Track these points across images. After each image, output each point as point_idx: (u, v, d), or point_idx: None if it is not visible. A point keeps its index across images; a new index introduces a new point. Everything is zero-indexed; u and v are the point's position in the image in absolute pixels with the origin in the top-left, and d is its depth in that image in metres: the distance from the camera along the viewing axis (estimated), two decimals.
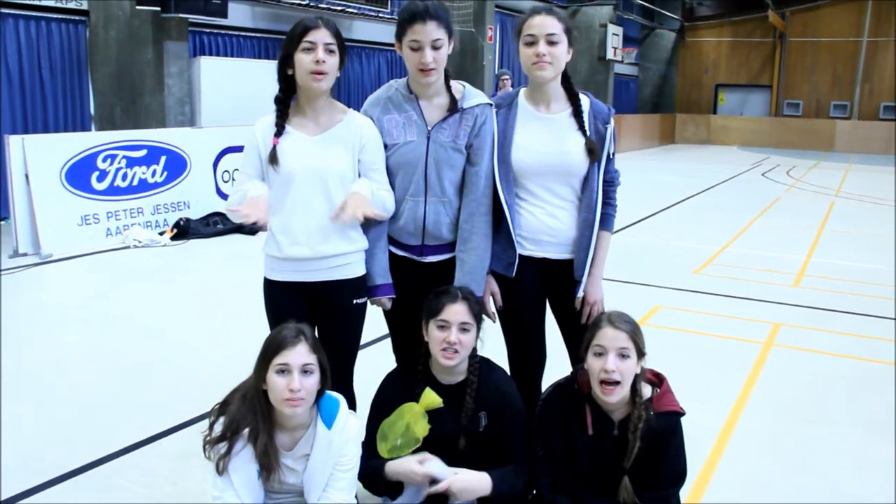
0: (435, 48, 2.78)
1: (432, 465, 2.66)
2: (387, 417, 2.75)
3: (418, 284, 2.98)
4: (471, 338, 2.73)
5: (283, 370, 2.39)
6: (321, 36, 2.71)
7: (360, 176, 2.86)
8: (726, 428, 4.06)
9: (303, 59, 2.71)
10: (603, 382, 2.54)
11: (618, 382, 2.53)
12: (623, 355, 2.53)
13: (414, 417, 2.70)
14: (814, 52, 27.79)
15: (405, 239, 3.01)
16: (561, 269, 3.05)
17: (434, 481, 2.64)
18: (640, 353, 2.58)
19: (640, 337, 2.60)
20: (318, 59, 2.69)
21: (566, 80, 3.01)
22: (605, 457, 2.63)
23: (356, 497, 2.63)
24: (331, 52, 2.73)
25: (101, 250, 8.03)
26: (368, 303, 3.01)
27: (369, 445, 2.76)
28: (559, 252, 3.03)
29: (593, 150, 2.96)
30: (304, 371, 2.41)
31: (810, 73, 27.91)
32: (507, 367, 3.09)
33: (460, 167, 2.94)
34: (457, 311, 2.70)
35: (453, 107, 2.90)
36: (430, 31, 2.76)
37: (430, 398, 2.71)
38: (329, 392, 2.56)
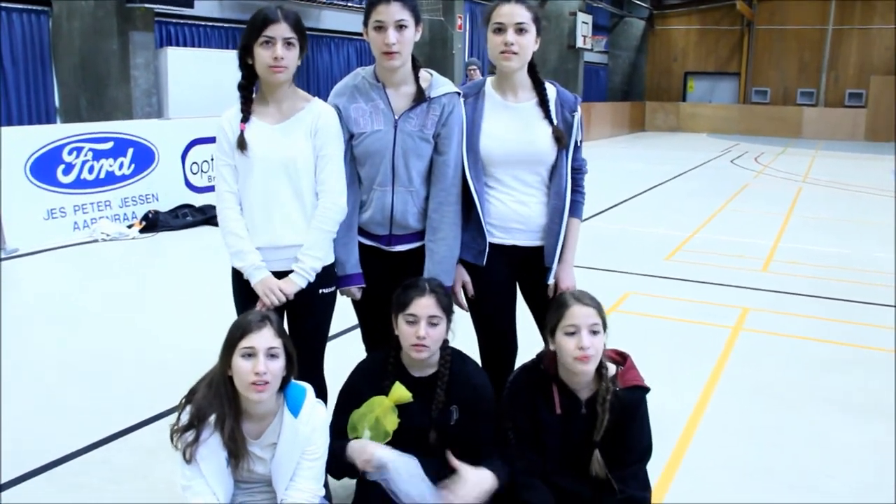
0: (399, 28, 2.76)
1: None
2: (355, 407, 2.73)
3: (386, 274, 2.98)
4: (440, 331, 2.71)
5: (249, 354, 2.38)
6: (280, 31, 2.69)
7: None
8: (696, 410, 4.10)
9: (261, 54, 2.70)
10: (577, 359, 2.57)
11: (593, 355, 2.58)
12: (594, 332, 2.57)
13: (383, 411, 2.68)
14: (781, 39, 28.07)
15: (373, 229, 3.01)
16: (531, 257, 3.06)
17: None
18: (605, 328, 2.63)
19: (604, 313, 2.65)
20: (276, 55, 2.68)
21: (532, 70, 3.02)
22: (575, 435, 2.66)
23: (326, 486, 2.62)
24: (290, 45, 2.71)
25: (68, 244, 7.92)
26: (338, 293, 3.00)
27: (334, 430, 2.70)
28: (529, 239, 3.05)
29: (560, 138, 2.97)
30: (270, 355, 2.40)
31: (777, 61, 28.20)
32: (477, 357, 3.09)
33: (428, 156, 2.93)
34: (425, 305, 2.68)
35: (419, 96, 2.88)
36: (394, 11, 2.76)
37: (400, 392, 2.69)
38: (295, 381, 2.55)
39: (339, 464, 2.69)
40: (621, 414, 2.61)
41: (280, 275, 2.81)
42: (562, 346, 2.60)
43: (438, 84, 2.95)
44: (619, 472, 2.63)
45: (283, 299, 2.77)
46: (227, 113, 2.85)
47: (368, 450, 2.60)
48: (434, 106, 2.90)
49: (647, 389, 2.69)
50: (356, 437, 2.69)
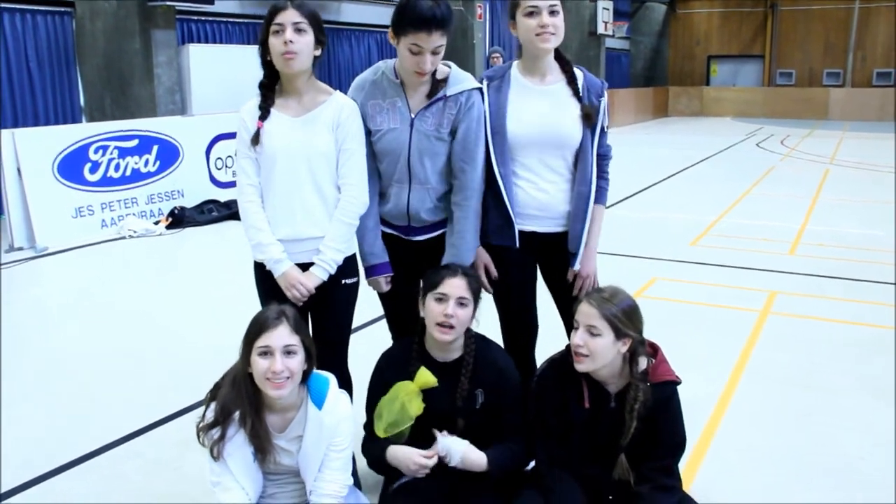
0: (434, 54, 2.74)
1: (440, 443, 2.67)
2: (383, 395, 2.75)
3: (409, 261, 3.00)
4: (467, 313, 2.72)
5: (266, 352, 2.39)
6: (289, 16, 2.68)
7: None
8: (724, 396, 4.08)
9: (273, 43, 2.71)
10: (575, 353, 2.59)
11: (587, 355, 2.56)
12: (592, 333, 2.55)
13: (408, 396, 2.69)
14: (805, 20, 27.66)
15: (392, 220, 3.02)
16: (552, 242, 3.06)
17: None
18: (620, 333, 2.55)
19: (623, 317, 2.56)
20: (286, 39, 2.67)
21: (557, 52, 3.02)
22: (602, 429, 2.64)
23: (354, 475, 2.64)
24: (300, 31, 2.70)
25: (96, 242, 8.02)
26: (367, 283, 3.01)
27: (369, 425, 2.78)
28: (548, 226, 3.05)
29: (589, 115, 2.97)
30: (287, 352, 2.41)
31: (802, 42, 27.80)
32: (500, 341, 3.10)
33: (444, 154, 2.91)
34: (456, 285, 2.70)
35: (432, 93, 2.86)
36: (435, 39, 2.69)
37: (425, 377, 2.70)
38: (318, 372, 2.56)
39: (379, 465, 2.77)
40: (652, 411, 2.57)
41: (302, 267, 2.82)
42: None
43: (457, 80, 2.90)
44: (649, 464, 2.60)
45: (306, 293, 2.78)
46: (246, 106, 2.86)
47: (414, 462, 2.66)
48: (451, 104, 2.87)
49: (678, 382, 2.66)
50: (380, 423, 2.71)
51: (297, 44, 2.69)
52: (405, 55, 2.75)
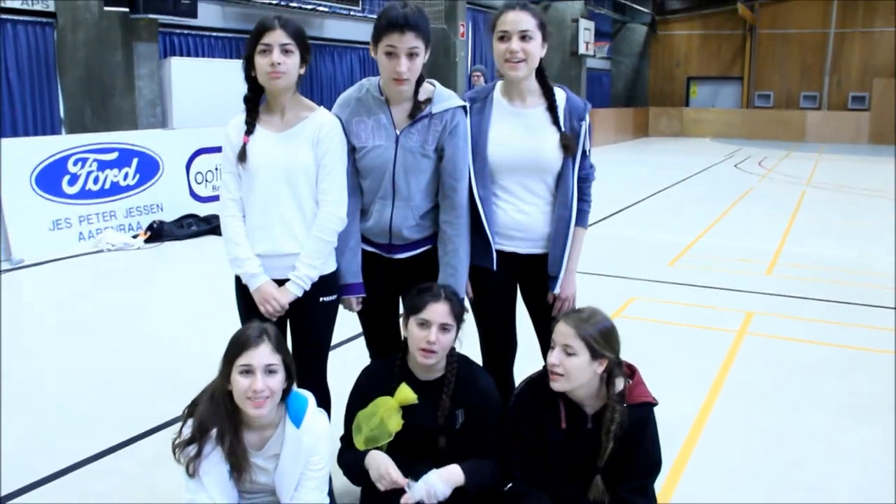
0: (410, 56, 2.75)
1: (417, 491, 2.59)
2: (363, 408, 2.75)
3: (387, 281, 3.00)
4: (450, 338, 2.73)
5: (247, 371, 2.39)
6: (276, 37, 2.70)
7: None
8: (701, 416, 4.10)
9: (259, 62, 2.72)
10: (551, 372, 2.60)
11: (562, 375, 2.57)
12: (567, 352, 2.56)
13: (388, 412, 2.70)
14: (783, 43, 28.08)
15: (373, 237, 3.02)
16: (531, 264, 3.07)
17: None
18: (595, 354, 2.56)
19: (599, 338, 2.56)
20: (273, 61, 2.69)
21: (541, 75, 2.99)
22: (579, 450, 2.65)
23: (330, 494, 2.63)
24: (287, 51, 2.72)
25: (74, 255, 7.95)
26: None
27: (347, 437, 2.78)
28: (528, 247, 3.05)
29: (568, 146, 2.96)
30: (268, 371, 2.40)
31: (780, 65, 28.21)
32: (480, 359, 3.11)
33: (429, 171, 2.92)
34: (438, 311, 2.69)
35: (414, 112, 2.87)
36: (408, 40, 2.72)
37: (405, 394, 2.71)
38: (297, 390, 2.56)
39: (356, 472, 2.74)
40: (627, 434, 2.57)
41: (280, 283, 2.82)
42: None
43: (442, 98, 2.91)
44: (625, 486, 2.60)
45: (280, 309, 2.78)
46: (233, 121, 2.87)
47: (386, 471, 2.62)
48: (436, 121, 2.88)
49: (654, 404, 2.67)
50: (359, 437, 2.71)
51: (283, 65, 2.71)
52: (383, 62, 2.77)
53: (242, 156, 2.78)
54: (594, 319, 2.62)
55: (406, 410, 2.73)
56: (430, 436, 2.77)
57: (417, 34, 2.73)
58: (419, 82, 2.88)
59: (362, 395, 2.81)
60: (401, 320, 2.80)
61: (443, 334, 2.69)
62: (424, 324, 2.68)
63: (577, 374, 2.56)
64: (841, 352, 5.14)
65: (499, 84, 3.07)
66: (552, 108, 2.98)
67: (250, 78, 2.81)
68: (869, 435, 3.90)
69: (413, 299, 2.75)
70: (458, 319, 2.76)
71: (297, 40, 2.74)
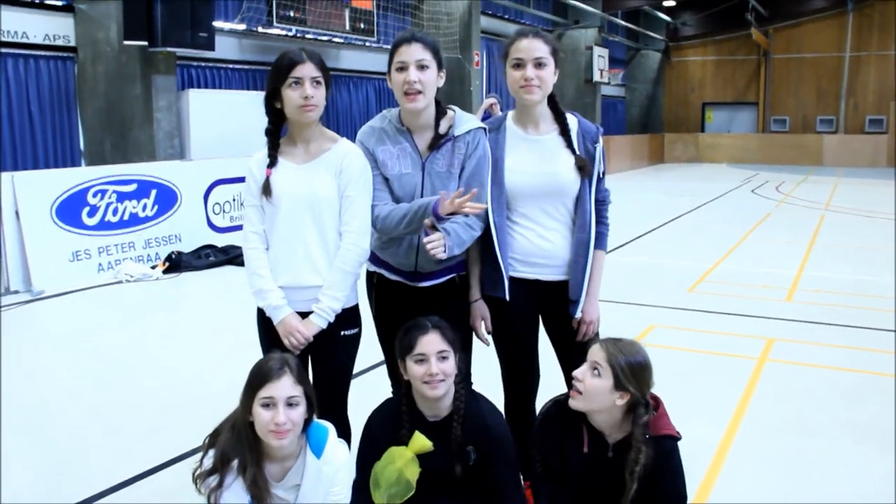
0: (420, 68, 2.80)
1: None
2: (375, 458, 2.69)
3: (412, 309, 2.97)
4: (451, 364, 2.66)
5: (269, 403, 2.38)
6: (307, 70, 2.72)
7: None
8: (723, 444, 4.05)
9: (291, 95, 2.73)
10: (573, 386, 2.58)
11: (580, 392, 2.55)
12: (593, 371, 2.54)
13: (405, 463, 2.64)
14: (798, 68, 28.07)
15: (400, 266, 3.01)
16: (555, 290, 3.05)
17: None
18: (619, 384, 2.51)
19: (627, 370, 2.52)
20: (306, 94, 2.72)
21: (552, 101, 3.03)
22: (600, 476, 2.61)
23: None
24: (317, 84, 2.75)
25: (93, 286, 8.00)
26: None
27: (362, 488, 2.69)
28: (552, 274, 3.05)
29: (584, 167, 2.98)
30: (290, 404, 2.39)
31: (795, 89, 28.18)
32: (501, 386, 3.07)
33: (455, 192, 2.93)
34: (431, 342, 2.64)
35: (434, 142, 2.90)
36: (415, 51, 2.81)
37: (420, 442, 2.65)
38: (318, 420, 2.54)
39: None
40: (652, 467, 2.52)
41: (304, 315, 2.81)
42: None
43: (462, 121, 2.97)
44: None
45: (304, 341, 2.77)
46: (256, 155, 2.89)
47: None
48: (459, 144, 2.93)
49: (678, 438, 2.62)
50: (378, 492, 2.64)
51: (315, 97, 2.74)
52: (396, 81, 2.84)
53: (266, 189, 2.79)
54: (629, 350, 2.58)
55: (420, 455, 2.67)
56: (447, 474, 2.70)
57: (425, 46, 2.83)
58: (441, 112, 2.90)
59: (373, 443, 2.74)
60: (398, 363, 2.73)
61: (442, 362, 2.63)
62: (421, 359, 2.63)
63: (596, 396, 2.53)
64: (864, 377, 5.07)
65: (511, 113, 3.11)
66: (565, 132, 3.02)
67: (272, 111, 2.83)
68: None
69: (402, 340, 2.70)
70: (453, 344, 2.69)
71: (324, 72, 2.78)
